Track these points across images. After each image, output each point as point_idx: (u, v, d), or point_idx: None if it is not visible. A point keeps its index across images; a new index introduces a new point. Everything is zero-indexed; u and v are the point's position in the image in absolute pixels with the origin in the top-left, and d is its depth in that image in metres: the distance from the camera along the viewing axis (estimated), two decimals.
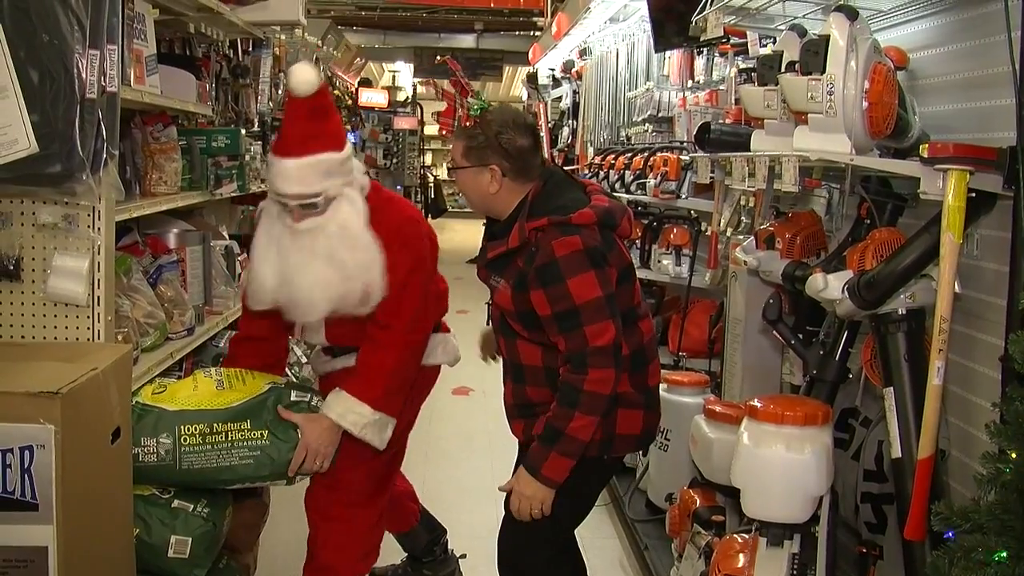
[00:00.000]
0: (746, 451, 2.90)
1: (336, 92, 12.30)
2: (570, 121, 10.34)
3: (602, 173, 6.80)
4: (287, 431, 3.22)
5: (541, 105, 11.68)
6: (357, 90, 16.02)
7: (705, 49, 5.51)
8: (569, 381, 2.91)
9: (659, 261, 5.44)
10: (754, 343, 3.90)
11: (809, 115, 2.83)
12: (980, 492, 2.18)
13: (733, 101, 4.63)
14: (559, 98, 11.31)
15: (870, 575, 3.15)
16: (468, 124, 3.10)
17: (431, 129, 21.80)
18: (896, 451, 2.83)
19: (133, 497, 2.96)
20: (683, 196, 5.39)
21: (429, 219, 18.41)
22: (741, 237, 4.12)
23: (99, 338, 2.99)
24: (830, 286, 2.94)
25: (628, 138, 7.60)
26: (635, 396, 3.07)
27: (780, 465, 2.85)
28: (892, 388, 2.86)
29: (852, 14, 2.75)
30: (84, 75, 2.71)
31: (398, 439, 3.58)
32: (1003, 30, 2.58)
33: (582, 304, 2.88)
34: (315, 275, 3.21)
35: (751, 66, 4.04)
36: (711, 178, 4.27)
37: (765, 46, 3.81)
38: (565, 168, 4.20)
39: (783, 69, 2.94)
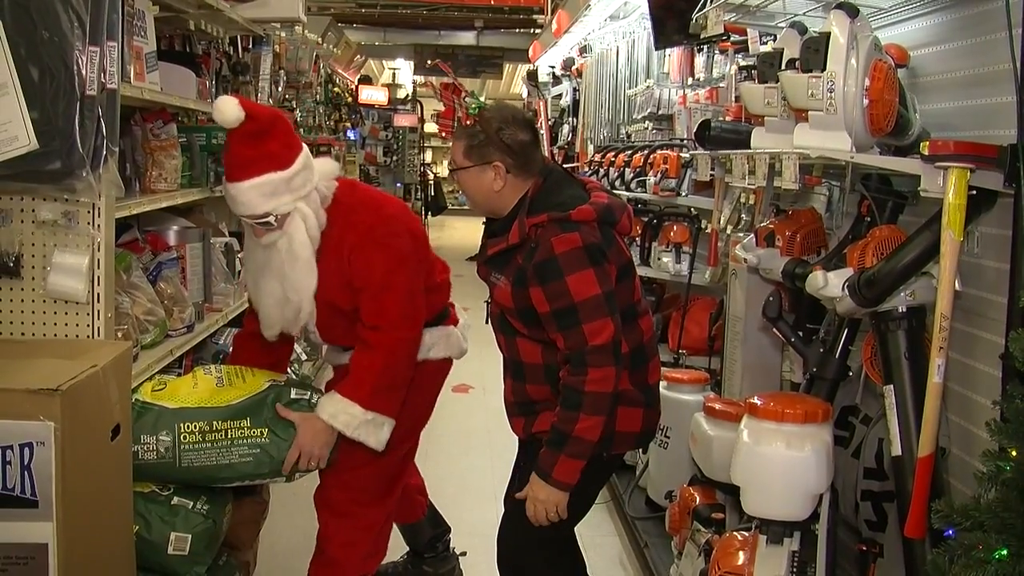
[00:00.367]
0: (746, 449, 2.90)
1: (336, 89, 12.28)
2: (570, 119, 10.33)
3: (602, 171, 6.80)
4: (287, 429, 3.22)
5: (541, 102, 11.67)
6: (357, 87, 16.00)
7: (705, 46, 5.51)
8: (570, 384, 2.91)
9: (659, 259, 5.44)
10: (754, 341, 3.90)
11: (809, 112, 2.82)
12: (980, 490, 2.18)
13: (733, 98, 4.63)
14: (559, 95, 11.31)
15: (870, 573, 3.14)
16: (468, 123, 3.09)
17: (431, 127, 21.81)
18: (896, 449, 2.82)
19: (133, 494, 2.96)
20: (683, 194, 5.39)
21: (429, 216, 18.45)
22: (741, 234, 4.11)
23: (99, 335, 2.98)
24: (830, 284, 2.94)
25: (628, 136, 7.59)
26: (635, 394, 3.07)
27: (780, 463, 2.85)
28: (892, 386, 2.86)
29: (853, 11, 2.74)
30: (84, 72, 2.70)
31: (409, 436, 3.60)
32: (1004, 27, 2.58)
33: (581, 302, 2.87)
34: (270, 290, 3.30)
35: (751, 63, 4.03)
36: (711, 176, 4.26)
37: (765, 43, 3.81)
38: (564, 166, 4.18)
39: (783, 66, 2.94)
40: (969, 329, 2.90)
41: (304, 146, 3.30)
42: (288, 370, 4.04)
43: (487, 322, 3.29)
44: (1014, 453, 2.07)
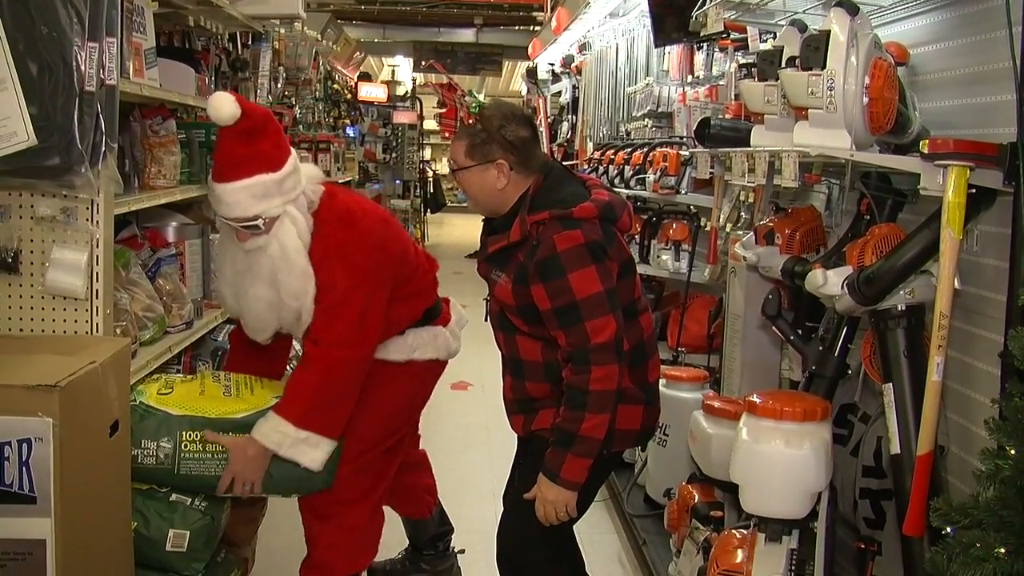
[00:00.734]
0: (745, 447, 2.90)
1: (336, 86, 12.28)
2: (569, 116, 10.33)
3: (601, 168, 6.80)
4: None
5: (541, 100, 11.67)
6: (356, 84, 15.97)
7: (705, 44, 5.51)
8: (574, 383, 2.91)
9: (658, 256, 5.44)
10: (753, 339, 3.90)
11: (809, 110, 2.82)
12: (979, 488, 2.18)
13: (733, 96, 4.62)
14: (558, 93, 11.30)
15: (868, 571, 3.14)
16: (470, 122, 3.08)
17: (430, 123, 21.78)
18: (895, 447, 2.82)
19: (131, 491, 2.96)
20: (682, 191, 5.39)
21: (428, 213, 18.42)
22: (740, 233, 4.11)
23: (97, 331, 2.98)
24: (829, 282, 2.94)
25: (627, 133, 7.59)
26: (635, 391, 3.07)
27: (779, 461, 2.85)
28: (891, 384, 2.86)
29: (853, 9, 2.74)
30: (83, 68, 2.70)
31: (389, 435, 3.57)
32: (1004, 26, 2.58)
33: (583, 299, 2.87)
34: (259, 295, 3.24)
35: (751, 61, 4.03)
36: (710, 173, 4.26)
37: (765, 41, 3.80)
38: (563, 163, 4.19)
39: (783, 64, 2.93)
40: (968, 327, 2.90)
41: (292, 148, 3.29)
42: (288, 367, 4.04)
43: (486, 319, 3.28)
44: (1013, 451, 2.07)
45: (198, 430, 3.15)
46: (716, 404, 3.63)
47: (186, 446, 3.13)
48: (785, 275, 3.33)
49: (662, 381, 3.82)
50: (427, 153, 22.51)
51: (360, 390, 3.36)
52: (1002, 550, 2.04)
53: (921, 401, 2.60)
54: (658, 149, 5.76)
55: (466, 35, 17.57)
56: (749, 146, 3.33)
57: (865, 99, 2.74)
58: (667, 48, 6.21)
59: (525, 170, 3.06)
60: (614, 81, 8.02)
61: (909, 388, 2.82)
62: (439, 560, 4.15)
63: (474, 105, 2.89)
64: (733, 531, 3.20)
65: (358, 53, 16.31)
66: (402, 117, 17.41)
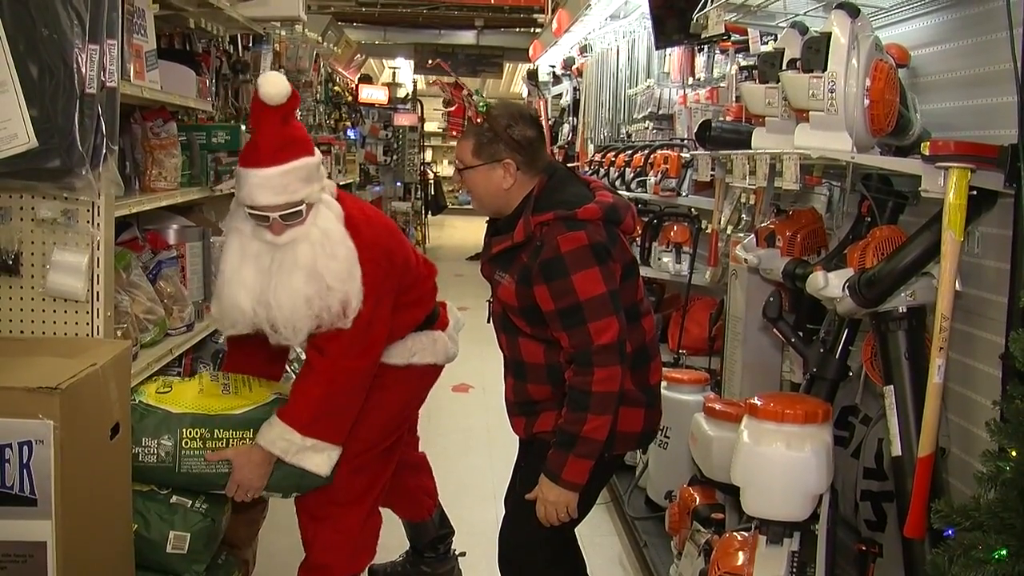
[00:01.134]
0: (746, 449, 2.90)
1: (336, 88, 12.27)
2: (570, 118, 10.33)
3: (602, 170, 6.80)
4: None
5: (541, 102, 11.68)
6: (357, 86, 15.97)
7: (706, 46, 5.51)
8: (577, 384, 2.91)
9: (659, 259, 5.44)
10: (754, 341, 3.90)
11: (810, 113, 2.82)
12: (980, 490, 2.18)
13: (734, 98, 4.63)
14: (559, 95, 11.30)
15: (870, 573, 3.14)
16: (478, 120, 3.07)
17: (431, 126, 21.75)
18: (896, 449, 2.82)
19: (132, 492, 2.96)
20: (683, 194, 5.39)
21: (429, 216, 18.43)
22: (742, 235, 4.11)
23: (98, 334, 2.98)
24: (831, 284, 2.94)
25: (628, 135, 7.59)
26: (636, 394, 3.07)
27: (780, 463, 2.85)
28: (892, 386, 2.86)
29: (853, 11, 2.74)
30: (84, 70, 2.70)
31: (385, 437, 3.57)
32: (1004, 27, 2.58)
33: (586, 300, 2.87)
34: (296, 291, 3.13)
35: (752, 63, 4.03)
36: (712, 176, 4.26)
37: (766, 43, 3.81)
38: (567, 165, 4.19)
39: (784, 66, 2.93)
40: (969, 329, 2.90)
41: None
42: (288, 369, 4.03)
43: (489, 321, 3.28)
44: (1014, 453, 2.07)
45: (199, 427, 3.15)
46: (717, 406, 3.63)
47: (187, 443, 3.13)
48: (786, 277, 3.33)
49: (663, 383, 3.81)
50: (428, 155, 22.53)
51: (365, 396, 3.36)
52: (1003, 552, 2.04)
53: (922, 403, 2.60)
54: (659, 151, 5.76)
55: (467, 37, 17.58)
56: (750, 148, 3.34)
57: (866, 101, 2.74)
58: (668, 50, 6.21)
59: (531, 170, 3.06)
60: (615, 83, 8.02)
61: (910, 390, 2.82)
62: (440, 563, 4.14)
63: (482, 104, 2.88)
64: (734, 533, 3.20)
65: (359, 55, 16.31)
66: (403, 119, 17.42)
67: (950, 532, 2.26)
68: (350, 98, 13.96)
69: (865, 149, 2.84)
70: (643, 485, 4.84)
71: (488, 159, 3.05)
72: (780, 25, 3.59)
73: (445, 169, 26.36)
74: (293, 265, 3.15)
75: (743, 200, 4.44)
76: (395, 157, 17.14)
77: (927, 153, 2.50)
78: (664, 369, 3.88)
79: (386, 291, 3.30)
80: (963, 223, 2.49)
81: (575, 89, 10.12)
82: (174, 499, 3.18)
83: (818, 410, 2.90)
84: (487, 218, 3.25)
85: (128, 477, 2.90)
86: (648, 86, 6.83)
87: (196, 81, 4.10)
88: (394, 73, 20.77)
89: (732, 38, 4.60)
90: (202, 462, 3.15)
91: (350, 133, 12.62)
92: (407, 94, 19.15)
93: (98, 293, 2.97)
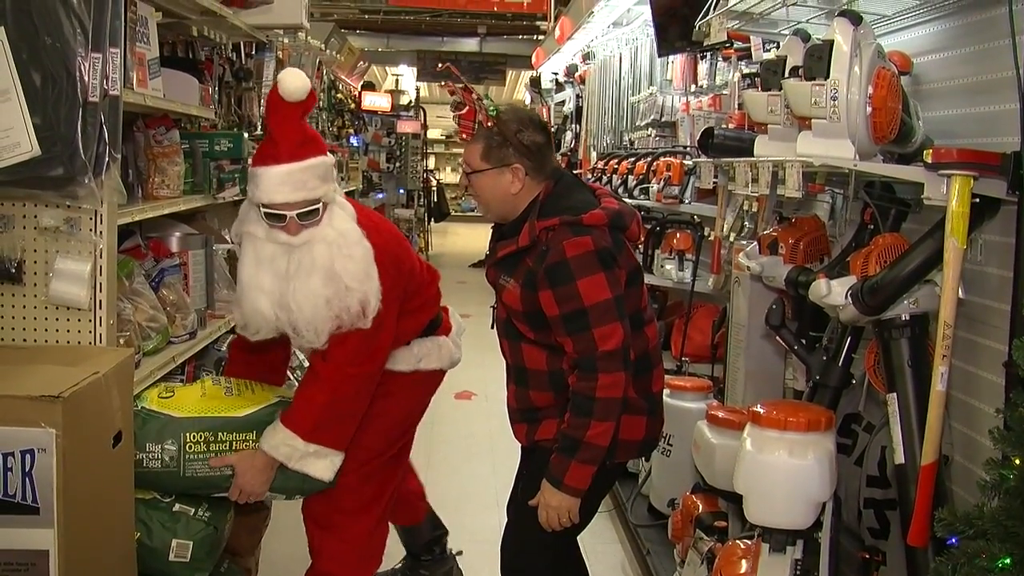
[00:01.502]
0: (749, 457, 2.90)
1: (339, 95, 12.29)
2: (573, 125, 10.33)
3: (605, 178, 6.80)
4: None
5: (544, 109, 11.69)
6: (360, 94, 15.99)
7: (708, 54, 5.51)
8: (580, 390, 2.90)
9: (662, 266, 5.44)
10: (757, 348, 3.90)
11: (813, 120, 2.82)
12: (983, 498, 2.18)
13: (736, 106, 4.63)
14: (562, 102, 11.31)
15: None
16: (488, 124, 3.08)
17: (434, 132, 21.76)
18: (899, 457, 2.82)
19: (134, 501, 2.96)
20: (686, 201, 5.40)
21: (432, 223, 18.44)
22: (744, 242, 4.11)
23: (101, 342, 2.98)
24: (833, 291, 2.93)
25: (631, 143, 7.59)
26: (639, 402, 3.06)
27: (783, 471, 2.84)
28: (895, 393, 2.86)
29: (856, 19, 2.74)
30: (86, 78, 2.70)
31: (391, 445, 3.57)
32: (1007, 34, 2.58)
33: (591, 305, 2.87)
34: (315, 293, 3.12)
35: (755, 71, 4.03)
36: (714, 183, 4.26)
37: (769, 51, 3.80)
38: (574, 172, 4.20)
39: (787, 74, 2.93)
40: (972, 337, 2.89)
41: None
42: (290, 376, 4.03)
43: (492, 327, 3.28)
44: (1017, 461, 2.07)
45: (202, 431, 3.15)
46: (720, 414, 3.62)
47: (191, 447, 3.13)
48: (789, 285, 3.33)
49: (666, 391, 3.81)
50: (431, 162, 22.54)
51: (369, 402, 3.35)
52: (1007, 560, 2.03)
53: (925, 411, 2.60)
54: (662, 159, 5.76)
55: (470, 44, 17.60)
56: (752, 156, 3.33)
57: (868, 109, 2.74)
58: (671, 57, 6.21)
59: (539, 176, 3.06)
60: (618, 90, 8.03)
61: (913, 398, 2.81)
62: (438, 564, 4.14)
63: (492, 108, 2.89)
64: (737, 541, 3.20)
65: (362, 62, 16.32)
66: (406, 126, 17.44)
67: (953, 540, 2.26)
68: (353, 105, 13.97)
69: (868, 157, 2.84)
70: (646, 493, 4.84)
71: (497, 163, 3.05)
72: (782, 33, 3.59)
73: (448, 176, 26.37)
74: (311, 267, 3.13)
75: (746, 207, 4.44)
76: (398, 164, 17.15)
77: (930, 161, 2.50)
78: (667, 376, 3.88)
79: (393, 298, 3.29)
80: (966, 231, 2.49)
81: (578, 96, 10.13)
82: (177, 507, 3.17)
83: (821, 418, 2.90)
84: (491, 225, 3.25)
85: (131, 485, 2.90)
86: (651, 93, 6.83)
87: (199, 89, 4.10)
88: (397, 80, 20.80)
89: (735, 45, 4.60)
90: (206, 466, 3.15)
91: (353, 140, 12.64)
92: (410, 101, 19.17)
93: (101, 301, 2.97)
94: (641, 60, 7.37)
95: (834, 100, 2.73)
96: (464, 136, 3.19)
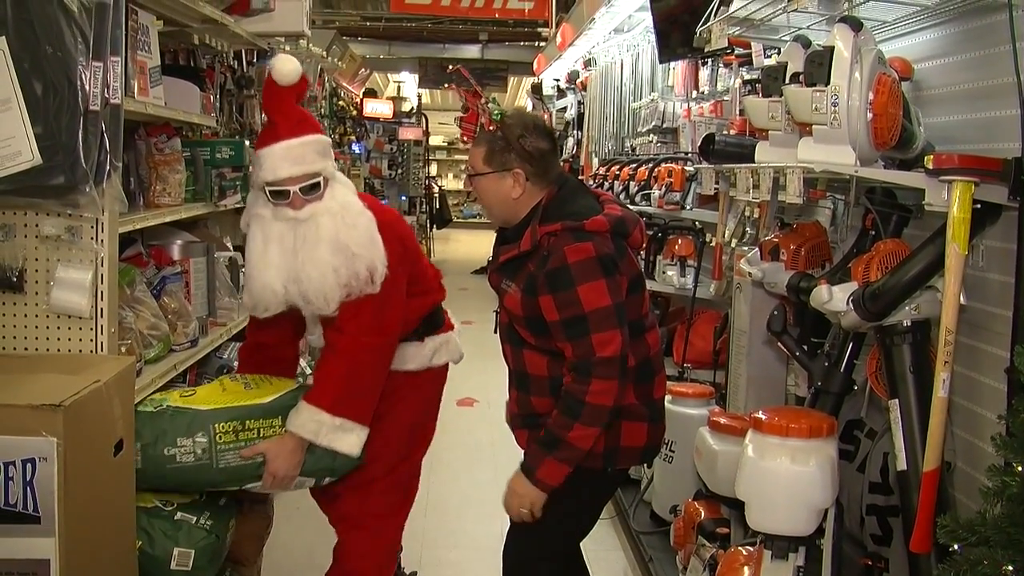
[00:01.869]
0: (751, 463, 2.90)
1: (341, 102, 12.33)
2: (575, 132, 10.35)
3: (607, 184, 6.81)
4: None
5: (546, 116, 11.70)
6: (362, 101, 16.03)
7: (710, 60, 5.52)
8: (572, 391, 2.90)
9: (664, 272, 5.44)
10: (759, 355, 3.89)
11: (813, 126, 2.82)
12: (986, 505, 2.17)
13: (737, 112, 4.63)
14: (564, 109, 11.34)
15: None
16: (491, 129, 3.09)
17: (436, 139, 21.76)
18: (902, 463, 2.82)
19: (136, 509, 2.96)
20: (688, 207, 5.39)
21: (434, 229, 18.45)
22: (746, 248, 4.11)
23: (102, 350, 2.98)
24: (835, 298, 2.93)
25: (633, 149, 7.60)
26: (640, 408, 3.06)
27: (785, 477, 2.84)
28: (897, 400, 2.86)
29: (856, 25, 2.74)
30: (87, 87, 2.70)
31: (420, 445, 3.63)
32: (1008, 41, 2.58)
33: (591, 311, 2.87)
34: (323, 263, 3.20)
35: (755, 77, 4.03)
36: (715, 189, 4.26)
37: (769, 57, 3.81)
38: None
39: (787, 80, 2.93)
40: (974, 343, 2.89)
41: None
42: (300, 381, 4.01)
43: (495, 331, 3.28)
44: (1020, 468, 2.07)
45: (231, 421, 3.16)
46: (722, 420, 3.62)
47: (220, 438, 3.14)
48: (790, 291, 3.33)
49: (668, 397, 3.81)
50: (433, 169, 22.56)
51: (386, 375, 3.40)
52: (1010, 567, 2.03)
53: (927, 417, 2.60)
54: (663, 165, 5.76)
55: (471, 51, 17.62)
56: (754, 162, 3.34)
57: (869, 115, 2.74)
58: (672, 64, 6.23)
59: (541, 182, 3.06)
60: (619, 97, 8.04)
61: (915, 404, 2.81)
62: None
63: (496, 112, 2.90)
64: (739, 548, 3.19)
65: (363, 69, 16.35)
66: (408, 133, 17.46)
67: (956, 547, 2.25)
68: (355, 112, 14.00)
69: (868, 163, 2.84)
70: (648, 499, 4.83)
71: (498, 167, 3.06)
72: (783, 39, 3.60)
73: (450, 183, 26.41)
74: (317, 239, 3.21)
75: (747, 213, 4.44)
76: (400, 171, 17.18)
77: (931, 166, 2.50)
78: (669, 383, 3.88)
79: (402, 272, 3.36)
80: (967, 236, 2.49)
81: (579, 103, 10.15)
82: (179, 515, 3.17)
83: (823, 424, 2.90)
84: (496, 230, 3.25)
85: (132, 494, 2.90)
86: (652, 99, 6.84)
87: (200, 97, 4.11)
88: (399, 87, 20.83)
89: (736, 52, 4.60)
90: (238, 456, 3.16)
91: (355, 147, 12.67)
92: (412, 108, 19.19)
93: (102, 309, 2.97)
94: (642, 66, 7.38)
95: (835, 106, 2.73)
96: (465, 139, 3.21)
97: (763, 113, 3.17)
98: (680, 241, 5.42)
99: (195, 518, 3.18)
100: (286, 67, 3.18)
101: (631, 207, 5.78)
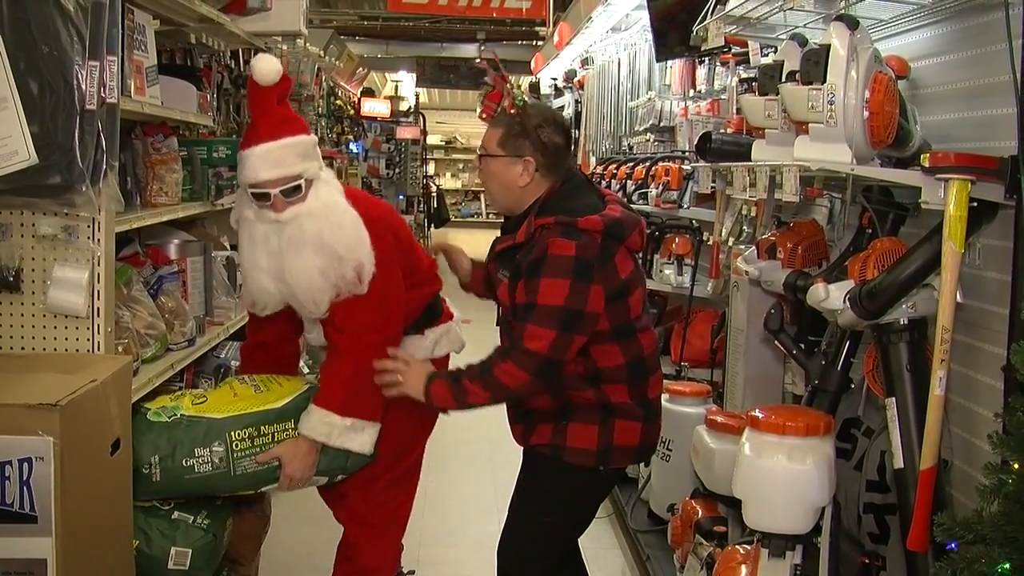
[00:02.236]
0: (748, 462, 2.90)
1: (338, 102, 12.31)
2: (572, 130, 10.34)
3: (604, 183, 6.81)
4: None
5: None
6: (359, 100, 16.02)
7: (706, 58, 5.52)
8: (491, 360, 3.00)
9: (661, 271, 5.44)
10: (756, 353, 3.89)
11: (810, 125, 2.82)
12: (983, 503, 2.17)
13: (734, 111, 4.63)
14: (561, 107, 11.32)
15: None
16: (511, 112, 3.10)
17: (434, 138, 21.76)
18: (898, 461, 2.82)
19: (133, 508, 2.96)
20: (685, 206, 5.39)
21: (432, 229, 18.45)
22: (743, 247, 4.11)
23: (99, 349, 2.98)
24: (832, 296, 2.93)
25: (630, 147, 7.60)
26: (633, 408, 3.05)
27: (782, 476, 2.84)
28: (894, 398, 2.86)
29: (853, 23, 2.75)
30: (84, 86, 2.70)
31: (420, 438, 3.64)
32: (1004, 39, 2.57)
33: (541, 304, 2.89)
34: (308, 265, 3.18)
35: (752, 75, 4.03)
36: (712, 188, 4.26)
37: (766, 55, 3.81)
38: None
39: (784, 79, 2.94)
40: (971, 341, 2.89)
41: None
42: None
43: (497, 324, 3.29)
44: (1016, 466, 2.07)
45: (246, 428, 3.16)
46: (719, 419, 3.62)
47: (237, 446, 3.14)
48: (787, 289, 3.33)
49: (665, 396, 3.81)
50: (431, 168, 22.55)
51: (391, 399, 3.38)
52: (1006, 565, 2.03)
53: (924, 415, 2.60)
54: (660, 163, 5.76)
55: (469, 50, 17.60)
56: (750, 160, 3.34)
57: (866, 113, 2.74)
58: (669, 62, 6.22)
59: (550, 175, 3.07)
60: (616, 95, 8.04)
61: (912, 402, 2.81)
62: None
63: (520, 99, 2.92)
64: (737, 546, 3.20)
65: (361, 69, 16.35)
66: (405, 132, 17.47)
67: (953, 545, 2.25)
68: (352, 112, 13.99)
69: (865, 161, 2.84)
70: (645, 498, 4.84)
71: (511, 152, 3.06)
72: (780, 37, 3.60)
73: (448, 182, 26.39)
74: (300, 241, 3.18)
75: (744, 212, 4.44)
76: (398, 170, 17.18)
77: (927, 165, 2.50)
78: (666, 381, 3.88)
79: (396, 264, 3.35)
80: (964, 235, 2.49)
81: (577, 101, 10.14)
82: (176, 515, 3.17)
83: (820, 422, 2.90)
84: (500, 224, 3.26)
85: (129, 493, 2.89)
86: (649, 98, 6.84)
87: (197, 96, 4.10)
88: (396, 86, 20.82)
89: (732, 50, 4.60)
90: (254, 462, 3.17)
91: (352, 147, 12.66)
92: (409, 107, 19.19)
93: (99, 309, 2.97)
94: (639, 65, 7.38)
95: (831, 104, 2.73)
96: (484, 116, 3.22)
97: (760, 111, 3.17)
98: (677, 240, 5.42)
99: (192, 517, 3.18)
100: (265, 67, 3.14)
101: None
